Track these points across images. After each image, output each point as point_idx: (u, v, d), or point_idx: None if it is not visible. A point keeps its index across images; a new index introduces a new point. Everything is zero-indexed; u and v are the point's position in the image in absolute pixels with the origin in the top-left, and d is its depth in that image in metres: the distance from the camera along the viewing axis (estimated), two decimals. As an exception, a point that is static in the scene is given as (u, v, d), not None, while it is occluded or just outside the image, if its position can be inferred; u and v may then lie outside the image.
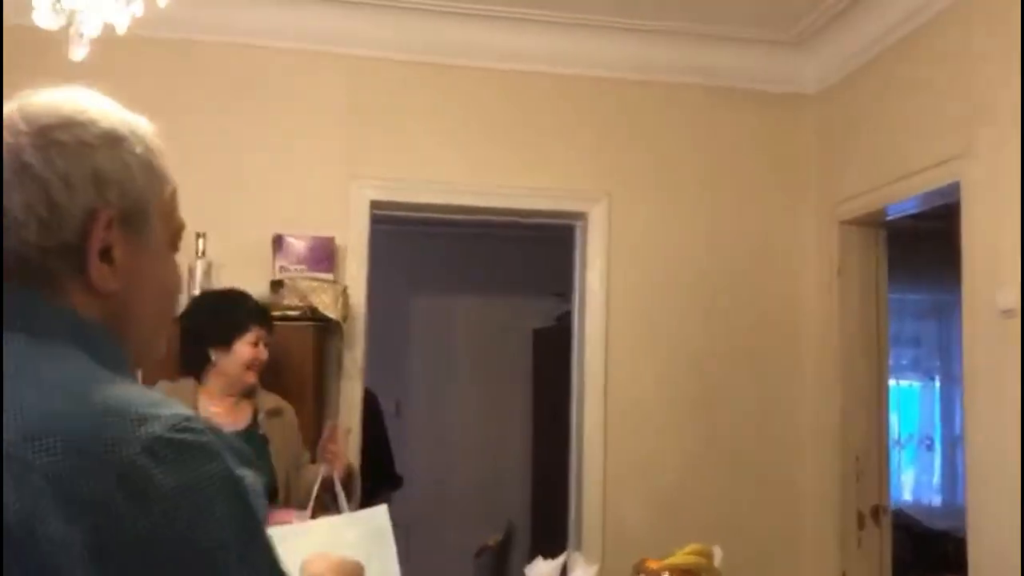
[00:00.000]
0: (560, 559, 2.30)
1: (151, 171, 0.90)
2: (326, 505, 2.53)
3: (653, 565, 2.27)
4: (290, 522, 2.21)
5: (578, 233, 3.69)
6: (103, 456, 0.70)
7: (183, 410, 0.76)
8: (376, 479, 4.37)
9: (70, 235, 0.81)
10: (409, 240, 5.39)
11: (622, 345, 3.55)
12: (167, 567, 0.70)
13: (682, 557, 2.26)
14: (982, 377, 2.71)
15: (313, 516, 2.41)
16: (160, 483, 0.70)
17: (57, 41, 2.08)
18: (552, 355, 4.65)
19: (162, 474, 0.70)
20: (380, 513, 2.10)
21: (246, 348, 2.56)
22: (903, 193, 3.08)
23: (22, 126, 0.83)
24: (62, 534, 0.67)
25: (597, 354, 3.56)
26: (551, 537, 3.52)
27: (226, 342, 2.54)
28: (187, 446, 0.72)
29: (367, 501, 4.37)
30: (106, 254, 0.83)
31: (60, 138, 0.83)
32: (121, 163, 0.86)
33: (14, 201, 0.80)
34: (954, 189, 2.82)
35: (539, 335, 5.53)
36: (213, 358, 2.54)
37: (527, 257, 5.43)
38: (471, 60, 3.52)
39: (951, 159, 2.83)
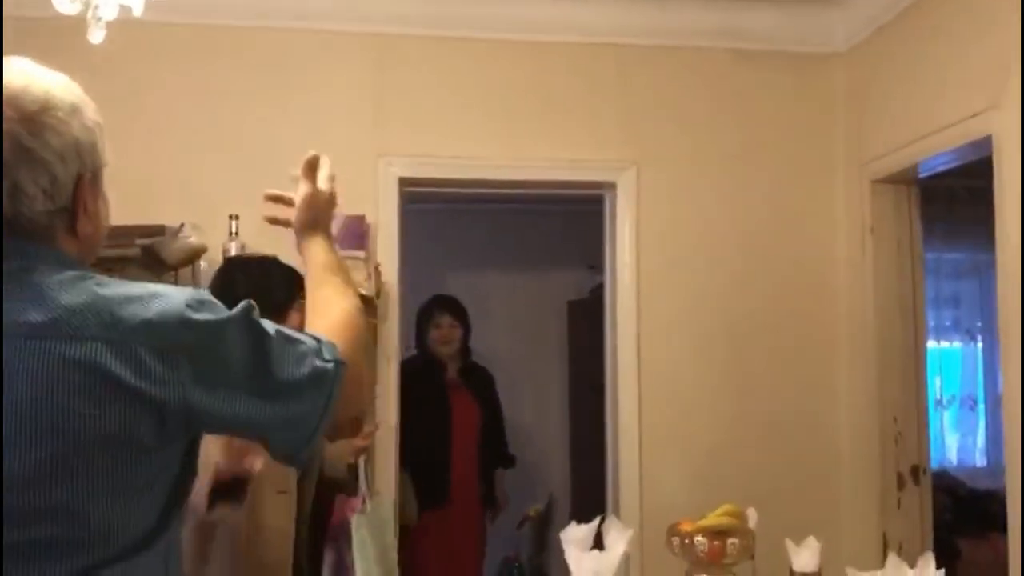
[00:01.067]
0: (594, 524, 2.33)
1: (100, 129, 1.09)
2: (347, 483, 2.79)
3: (687, 527, 2.29)
4: (357, 509, 2.65)
5: (607, 203, 3.68)
6: (163, 320, 1.00)
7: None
8: (492, 459, 4.28)
9: (65, 200, 1.04)
10: (444, 218, 5.43)
11: (654, 313, 3.55)
12: (238, 363, 1.04)
13: (715, 519, 2.27)
14: (1017, 333, 2.67)
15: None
16: (207, 319, 1.03)
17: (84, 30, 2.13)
18: (587, 327, 4.66)
19: (204, 315, 1.03)
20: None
21: (296, 316, 2.59)
22: (934, 148, 3.03)
23: (10, 112, 0.99)
24: (170, 376, 0.99)
25: (629, 323, 3.56)
26: (591, 506, 3.54)
27: (283, 313, 2.55)
28: (209, 299, 1.06)
29: (485, 480, 4.25)
30: (84, 206, 1.06)
31: (47, 121, 1.01)
32: (87, 130, 1.06)
33: (23, 179, 1.00)
34: (986, 143, 2.77)
35: (573, 307, 5.54)
36: None
37: (561, 230, 5.44)
38: (495, 33, 3.51)
39: (983, 112, 2.77)
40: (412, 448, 3.63)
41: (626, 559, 2.36)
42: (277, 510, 2.21)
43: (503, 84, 3.53)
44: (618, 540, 2.29)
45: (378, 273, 3.24)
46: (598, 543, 2.31)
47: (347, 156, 3.42)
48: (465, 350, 4.30)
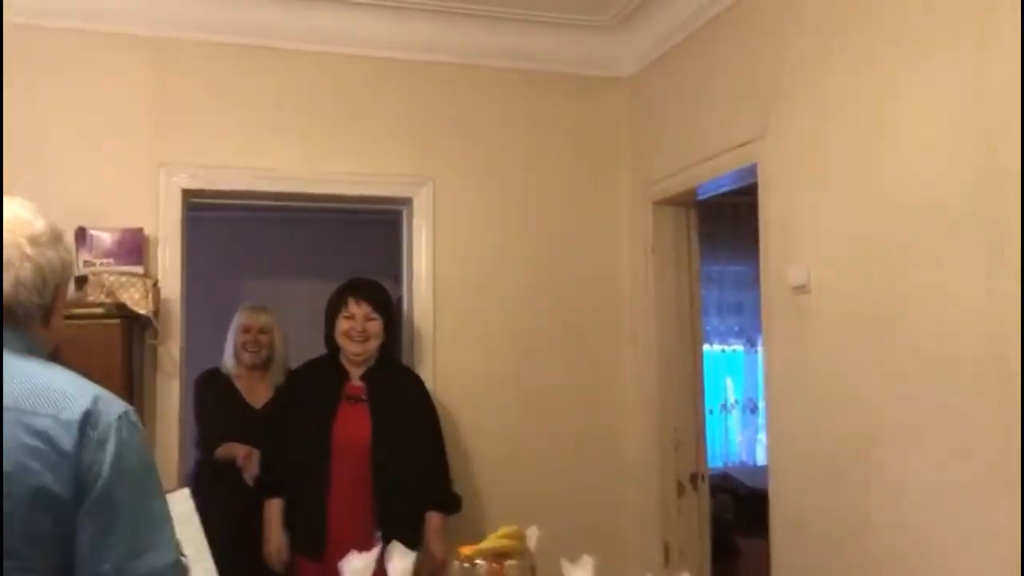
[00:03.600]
0: (374, 552, 2.30)
1: (71, 253, 1.50)
2: None
3: (467, 551, 2.30)
4: None
5: (404, 218, 3.68)
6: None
7: None
8: (411, 497, 3.10)
9: (49, 299, 1.39)
10: (241, 225, 5.24)
11: (449, 327, 3.57)
12: None
13: (494, 541, 2.30)
14: (778, 343, 2.85)
15: None
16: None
17: None
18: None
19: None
20: (183, 498, 2.21)
21: None
22: (709, 173, 3.19)
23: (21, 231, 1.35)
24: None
25: (426, 336, 3.56)
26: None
27: None
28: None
29: (405, 526, 2.91)
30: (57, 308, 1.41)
31: (43, 240, 1.37)
32: (66, 252, 1.44)
33: (26, 275, 1.34)
34: (752, 171, 2.94)
35: (377, 318, 5.48)
36: None
37: (364, 240, 5.36)
38: (287, 42, 3.42)
39: (750, 141, 2.95)
40: (285, 480, 3.08)
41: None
42: None
43: (298, 95, 3.45)
44: (399, 567, 2.28)
45: (157, 290, 3.08)
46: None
47: (126, 165, 3.26)
48: (385, 351, 3.24)
